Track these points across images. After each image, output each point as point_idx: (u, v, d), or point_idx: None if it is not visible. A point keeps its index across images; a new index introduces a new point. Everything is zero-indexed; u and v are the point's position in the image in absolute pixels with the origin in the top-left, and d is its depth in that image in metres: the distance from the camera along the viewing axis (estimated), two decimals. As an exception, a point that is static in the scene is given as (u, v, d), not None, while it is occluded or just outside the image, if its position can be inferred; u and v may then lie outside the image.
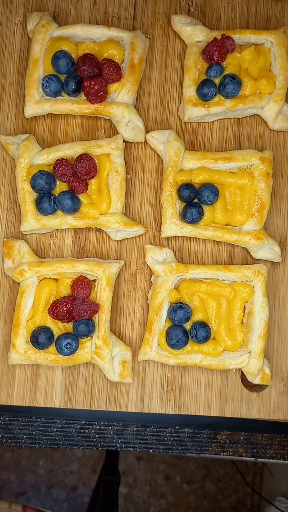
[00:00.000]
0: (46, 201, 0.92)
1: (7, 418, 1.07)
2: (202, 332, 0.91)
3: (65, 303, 0.90)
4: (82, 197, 0.94)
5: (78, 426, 1.07)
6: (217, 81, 0.95)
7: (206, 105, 0.96)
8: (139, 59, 0.96)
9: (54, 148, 0.95)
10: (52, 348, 0.91)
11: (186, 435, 1.08)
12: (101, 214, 0.94)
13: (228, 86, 0.94)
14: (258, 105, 0.97)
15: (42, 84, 0.94)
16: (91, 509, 1.61)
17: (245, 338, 0.94)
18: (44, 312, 0.92)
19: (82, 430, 1.07)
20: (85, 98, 0.95)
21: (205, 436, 1.08)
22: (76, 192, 0.93)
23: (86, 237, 0.99)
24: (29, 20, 0.98)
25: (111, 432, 1.07)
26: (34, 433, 1.07)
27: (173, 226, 0.94)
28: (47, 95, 0.96)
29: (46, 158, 0.94)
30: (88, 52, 0.95)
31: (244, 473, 2.20)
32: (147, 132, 0.99)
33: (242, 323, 0.95)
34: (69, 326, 0.93)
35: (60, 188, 0.94)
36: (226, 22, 1.02)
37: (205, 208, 0.94)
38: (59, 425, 1.07)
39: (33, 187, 0.93)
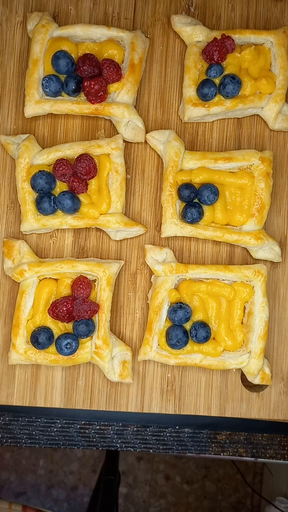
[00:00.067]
0: (46, 201, 0.92)
1: (7, 418, 1.07)
2: (202, 332, 0.91)
3: (65, 303, 0.90)
4: (82, 197, 0.94)
5: (78, 426, 1.07)
6: (217, 81, 0.95)
7: (206, 105, 0.96)
8: (139, 59, 0.96)
9: (54, 148, 0.95)
10: (52, 348, 0.91)
11: (186, 435, 1.08)
12: (101, 214, 0.94)
13: (228, 86, 0.94)
14: (258, 105, 0.97)
15: (42, 84, 0.94)
16: (91, 509, 1.61)
17: (245, 338, 0.94)
18: (44, 312, 0.92)
19: (82, 430, 1.07)
20: (85, 98, 0.95)
21: (205, 436, 1.08)
22: (76, 192, 0.93)
23: (86, 237, 0.99)
24: (29, 20, 0.98)
25: (111, 432, 1.07)
26: (34, 433, 1.07)
27: (173, 226, 0.94)
28: (47, 95, 0.96)
29: (46, 158, 0.94)
30: (88, 52, 0.95)
31: (244, 473, 2.20)
32: (147, 132, 0.99)
33: (242, 323, 0.95)
34: (69, 326, 0.93)
35: (60, 188, 0.94)
36: (226, 22, 1.02)
37: (205, 208, 0.94)
38: (59, 425, 1.07)
39: (33, 187, 0.93)
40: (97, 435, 1.07)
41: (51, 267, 0.92)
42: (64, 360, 0.92)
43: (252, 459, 1.10)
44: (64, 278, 0.93)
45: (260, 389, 0.98)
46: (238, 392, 0.97)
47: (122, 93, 0.95)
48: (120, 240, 0.99)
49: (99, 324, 0.92)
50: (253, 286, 0.94)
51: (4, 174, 0.99)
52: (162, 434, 1.08)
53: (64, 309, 0.90)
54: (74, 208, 0.93)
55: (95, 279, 0.94)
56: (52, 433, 1.07)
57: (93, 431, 1.07)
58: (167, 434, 1.08)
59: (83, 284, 0.91)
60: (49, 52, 0.95)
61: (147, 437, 1.07)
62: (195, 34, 0.97)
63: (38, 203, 0.93)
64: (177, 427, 1.08)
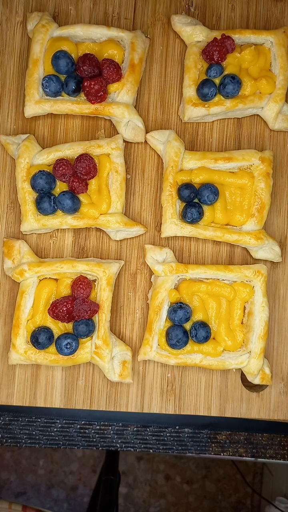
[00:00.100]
0: (46, 201, 0.92)
1: (7, 418, 1.07)
2: (202, 332, 0.91)
3: (65, 303, 0.90)
4: (82, 197, 0.94)
5: (78, 426, 1.07)
6: (217, 81, 0.95)
7: (206, 105, 0.96)
8: (139, 59, 0.96)
9: (54, 148, 0.95)
10: (52, 348, 0.91)
11: (186, 435, 1.08)
12: (101, 214, 0.94)
13: (228, 86, 0.94)
14: (258, 105, 0.97)
15: (42, 84, 0.94)
16: (91, 509, 1.61)
17: (245, 338, 0.94)
18: (44, 312, 0.92)
19: (82, 430, 1.07)
20: (85, 98, 0.95)
21: (205, 436, 1.08)
22: (76, 192, 0.93)
23: (86, 237, 0.99)
24: (29, 20, 0.98)
25: (111, 432, 1.07)
26: (34, 433, 1.07)
27: (173, 226, 0.94)
28: (47, 95, 0.96)
29: (46, 158, 0.94)
30: (88, 52, 0.95)
31: (244, 473, 2.20)
32: (147, 132, 0.99)
33: (242, 323, 0.95)
34: (69, 326, 0.93)
35: (60, 188, 0.94)
36: (226, 22, 1.02)
37: (205, 208, 0.94)
38: (59, 425, 1.07)
39: (33, 187, 0.93)
40: (97, 435, 1.07)
41: (51, 267, 0.92)
42: (64, 360, 0.92)
43: (252, 459, 1.10)
44: (64, 278, 0.93)
45: (260, 389, 0.98)
46: (238, 392, 0.97)
47: (122, 93, 0.95)
48: (120, 240, 0.99)
49: (99, 324, 0.92)
50: (253, 286, 0.94)
51: (4, 174, 0.99)
52: (162, 434, 1.08)
53: (64, 309, 0.90)
54: (74, 208, 0.93)
55: (95, 279, 0.94)
56: (52, 433, 1.07)
57: (93, 431, 1.07)
58: (167, 434, 1.08)
59: (83, 284, 0.91)
60: (49, 52, 0.95)
61: (147, 437, 1.07)
62: (195, 34, 0.97)
63: (38, 203, 0.93)
64: (177, 427, 1.08)
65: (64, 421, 1.07)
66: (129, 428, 1.07)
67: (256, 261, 0.99)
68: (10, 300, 0.97)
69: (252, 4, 1.02)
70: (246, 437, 1.08)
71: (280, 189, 1.01)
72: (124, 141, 0.97)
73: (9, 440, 1.06)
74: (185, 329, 0.92)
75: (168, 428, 1.08)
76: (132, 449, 1.07)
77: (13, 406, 1.05)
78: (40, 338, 0.89)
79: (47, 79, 0.94)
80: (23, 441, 1.07)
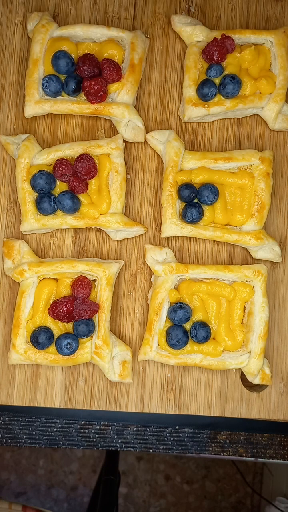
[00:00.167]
0: (46, 201, 0.92)
1: (7, 418, 1.07)
2: (202, 332, 0.91)
3: (65, 303, 0.90)
4: (82, 197, 0.94)
5: (78, 426, 1.07)
6: (217, 81, 0.95)
7: (206, 105, 0.96)
8: (139, 59, 0.96)
9: (54, 148, 0.95)
10: (52, 348, 0.91)
11: (186, 435, 1.08)
12: (101, 214, 0.94)
13: (228, 86, 0.94)
14: (258, 105, 0.97)
15: (42, 84, 0.94)
16: (91, 509, 1.61)
17: (245, 338, 0.94)
18: (44, 312, 0.92)
19: (82, 430, 1.07)
20: (85, 98, 0.95)
21: (205, 436, 1.08)
22: (76, 192, 0.93)
23: (86, 237, 0.99)
24: (29, 20, 0.98)
25: (111, 432, 1.07)
26: (34, 433, 1.07)
27: (173, 226, 0.94)
28: (47, 95, 0.96)
29: (46, 158, 0.94)
30: (88, 52, 0.95)
31: (244, 473, 2.20)
32: (147, 132, 0.99)
33: (242, 323, 0.95)
34: (69, 326, 0.93)
35: (60, 188, 0.94)
36: (226, 22, 1.02)
37: (205, 208, 0.94)
38: (59, 425, 1.07)
39: (33, 187, 0.93)
40: (97, 435, 1.07)
41: (51, 267, 0.92)
42: (64, 360, 0.92)
43: (252, 459, 1.10)
44: (64, 278, 0.93)
45: (260, 389, 0.98)
46: (238, 392, 0.97)
47: (122, 93, 0.95)
48: (120, 240, 0.99)
49: (99, 324, 0.92)
50: (253, 286, 0.94)
51: (4, 174, 0.99)
52: (162, 434, 1.08)
53: (64, 309, 0.90)
54: (74, 208, 0.93)
55: (95, 279, 0.94)
56: (52, 433, 1.07)
57: (93, 431, 1.07)
58: (167, 434, 1.08)
59: (83, 284, 0.91)
60: (49, 52, 0.95)
61: (147, 437, 1.07)
62: (195, 34, 0.97)
63: (38, 203, 0.93)
64: (177, 427, 1.08)
65: (64, 421, 1.07)
66: (129, 428, 1.07)
67: (256, 261, 0.99)
68: (10, 300, 0.97)
69: (252, 4, 1.02)
70: (246, 437, 1.08)
71: (280, 189, 1.01)
72: (124, 141, 0.97)
73: (9, 440, 1.06)
74: (185, 329, 0.92)
75: (168, 428, 1.08)
76: (132, 449, 1.07)
77: (13, 406, 1.05)
78: (40, 338, 0.89)
79: (47, 79, 0.94)
80: (23, 441, 1.07)
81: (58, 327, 0.93)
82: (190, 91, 0.96)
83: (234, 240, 0.95)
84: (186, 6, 1.02)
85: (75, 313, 0.90)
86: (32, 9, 1.01)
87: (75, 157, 0.94)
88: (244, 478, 2.03)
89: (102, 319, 0.92)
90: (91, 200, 0.95)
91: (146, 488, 2.23)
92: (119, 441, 1.07)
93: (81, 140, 0.99)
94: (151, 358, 0.93)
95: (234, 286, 0.94)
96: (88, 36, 0.97)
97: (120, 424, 1.07)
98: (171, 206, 0.94)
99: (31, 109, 0.95)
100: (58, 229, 0.98)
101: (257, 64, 0.97)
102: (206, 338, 0.91)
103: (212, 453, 1.08)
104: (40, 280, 0.93)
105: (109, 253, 0.99)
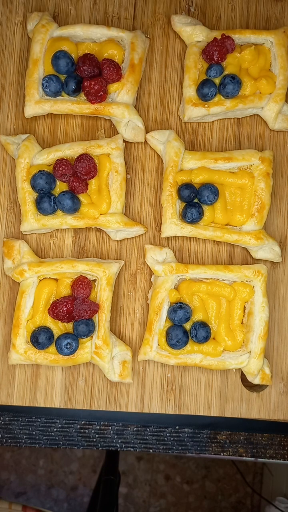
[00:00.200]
0: (46, 201, 0.92)
1: (7, 418, 1.07)
2: (202, 332, 0.91)
3: (65, 303, 0.90)
4: (82, 197, 0.94)
5: (78, 426, 1.07)
6: (217, 81, 0.95)
7: (206, 105, 0.96)
8: (139, 59, 0.96)
9: (54, 148, 0.95)
10: (52, 348, 0.91)
11: (186, 435, 1.08)
12: (101, 214, 0.94)
13: (228, 86, 0.94)
14: (258, 105, 0.97)
15: (42, 84, 0.94)
16: (91, 509, 1.61)
17: (245, 338, 0.94)
18: (44, 312, 0.92)
19: (82, 430, 1.07)
20: (85, 98, 0.95)
21: (205, 436, 1.08)
22: (76, 192, 0.93)
23: (86, 237, 0.99)
24: (29, 20, 0.98)
25: (111, 432, 1.07)
26: (34, 433, 1.07)
27: (173, 226, 0.94)
28: (47, 95, 0.96)
29: (46, 158, 0.94)
30: (88, 52, 0.95)
31: (244, 473, 2.20)
32: (147, 132, 0.99)
33: (242, 323, 0.95)
34: (69, 326, 0.93)
35: (60, 188, 0.94)
36: (226, 22, 1.02)
37: (205, 208, 0.94)
38: (59, 425, 1.07)
39: (33, 187, 0.93)
40: (97, 435, 1.07)
41: (51, 267, 0.92)
42: (64, 360, 0.92)
43: (252, 459, 1.10)
44: (64, 278, 0.93)
45: (260, 389, 0.98)
46: (238, 392, 0.97)
47: (122, 93, 0.95)
48: (120, 240, 0.99)
49: (99, 324, 0.92)
50: (253, 286, 0.94)
51: (4, 174, 0.99)
52: (162, 434, 1.08)
53: (64, 309, 0.90)
54: (74, 208, 0.93)
55: (95, 279, 0.94)
56: (52, 433, 1.07)
57: (93, 431, 1.07)
58: (167, 434, 1.08)
59: (83, 284, 0.91)
60: (49, 52, 0.95)
61: (147, 437, 1.07)
62: (195, 34, 0.97)
63: (38, 203, 0.93)
64: (177, 427, 1.08)
65: (64, 421, 1.07)
66: (129, 428, 1.07)
67: (256, 261, 0.99)
68: (10, 300, 0.97)
69: (252, 4, 1.02)
70: (246, 437, 1.08)
71: (280, 189, 1.01)
72: (124, 141, 0.97)
73: (9, 440, 1.06)
74: (185, 329, 0.92)
75: (168, 428, 1.08)
76: (132, 449, 1.07)
77: (13, 406, 1.05)
78: (40, 338, 0.89)
79: (47, 79, 0.94)
80: (23, 441, 1.07)
81: (58, 327, 0.93)
82: (190, 91, 0.96)
83: (234, 240, 0.95)
84: (186, 6, 1.02)
85: (75, 313, 0.90)
86: (32, 9, 1.01)
87: (75, 157, 0.94)
88: (244, 478, 2.03)
89: (102, 319, 0.92)
90: (91, 200, 0.95)
91: (146, 488, 2.23)
92: (119, 441, 1.07)
93: (81, 140, 0.99)
94: (151, 358, 0.93)
95: (234, 286, 0.94)
96: (88, 36, 0.97)
97: (120, 424, 1.07)
98: (171, 206, 0.94)
99: (31, 109, 0.95)
100: (58, 229, 0.98)
101: (257, 64, 0.97)
102: (206, 338, 0.91)
103: (212, 453, 1.08)
104: (40, 280, 0.93)
105: (109, 253, 0.99)
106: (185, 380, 0.97)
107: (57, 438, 1.07)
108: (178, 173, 0.95)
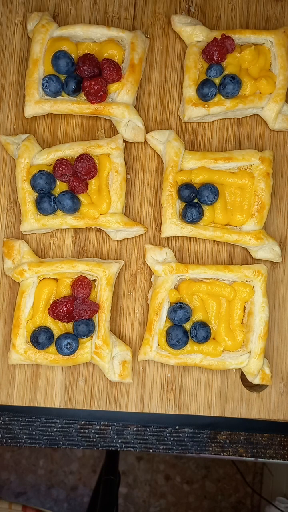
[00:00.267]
0: (46, 201, 0.92)
1: (7, 418, 1.07)
2: (202, 332, 0.91)
3: (65, 303, 0.90)
4: (82, 197, 0.94)
5: (78, 426, 1.07)
6: (217, 81, 0.95)
7: (206, 105, 0.96)
8: (139, 59, 0.96)
9: (54, 148, 0.95)
10: (52, 348, 0.91)
11: (186, 435, 1.08)
12: (101, 214, 0.94)
13: (228, 86, 0.94)
14: (258, 105, 0.97)
15: (42, 84, 0.94)
16: (91, 509, 1.61)
17: (245, 338, 0.94)
18: (44, 312, 0.92)
19: (82, 430, 1.07)
20: (85, 98, 0.95)
21: (205, 436, 1.08)
22: (76, 192, 0.93)
23: (86, 237, 0.99)
24: (29, 20, 0.98)
25: (111, 432, 1.07)
26: (34, 433, 1.07)
27: (173, 226, 0.94)
28: (47, 95, 0.96)
29: (46, 158, 0.94)
30: (88, 52, 0.95)
31: (244, 473, 2.20)
32: (147, 132, 0.99)
33: (242, 323, 0.95)
34: (69, 326, 0.93)
35: (60, 188, 0.94)
36: (226, 22, 1.02)
37: (205, 208, 0.94)
38: (59, 425, 1.07)
39: (33, 187, 0.93)
40: (97, 435, 1.07)
41: (51, 267, 0.92)
42: (64, 360, 0.92)
43: (252, 459, 1.10)
44: (64, 278, 0.93)
45: (260, 389, 0.98)
46: (238, 392, 0.97)
47: (122, 93, 0.95)
48: (120, 240, 0.99)
49: (99, 324, 0.92)
50: (253, 286, 0.94)
51: (4, 174, 0.99)
52: (162, 434, 1.08)
53: (64, 309, 0.90)
54: (74, 208, 0.93)
55: (95, 279, 0.94)
56: (52, 433, 1.07)
57: (93, 431, 1.07)
58: (167, 434, 1.08)
59: (83, 284, 0.91)
60: (49, 52, 0.95)
61: (147, 437, 1.07)
62: (195, 34, 0.97)
63: (38, 203, 0.93)
64: (177, 427, 1.08)
65: (64, 421, 1.07)
66: (129, 428, 1.07)
67: (256, 261, 0.99)
68: (10, 300, 0.97)
69: (252, 4, 1.02)
70: (246, 437, 1.08)
71: (280, 189, 1.01)
72: (124, 141, 0.97)
73: (9, 440, 1.06)
74: (185, 329, 0.92)
75: (168, 428, 1.08)
76: (132, 449, 1.07)
77: (13, 406, 1.05)
78: (40, 338, 0.89)
79: (47, 79, 0.94)
80: (23, 441, 1.07)
81: (58, 327, 0.93)
82: (190, 91, 0.96)
83: (234, 240, 0.95)
84: (186, 6, 1.02)
85: (75, 313, 0.90)
86: (32, 9, 1.01)
87: (75, 157, 0.94)
88: (244, 478, 2.03)
89: (102, 319, 0.92)
90: (91, 200, 0.95)
91: (146, 488, 2.23)
92: (119, 441, 1.07)
93: (81, 140, 0.99)
94: (151, 358, 0.93)
95: (234, 286, 0.94)
96: (88, 36, 0.97)
97: (120, 424, 1.07)
98: (171, 206, 0.94)
99: (31, 109, 0.95)
100: (58, 229, 0.98)
101: (257, 64, 0.97)
102: (206, 338, 0.91)
103: (212, 453, 1.08)
104: (40, 280, 0.93)
105: (109, 253, 0.99)
106: (185, 380, 0.97)
107: (57, 438, 1.07)
108: (178, 173, 0.95)
